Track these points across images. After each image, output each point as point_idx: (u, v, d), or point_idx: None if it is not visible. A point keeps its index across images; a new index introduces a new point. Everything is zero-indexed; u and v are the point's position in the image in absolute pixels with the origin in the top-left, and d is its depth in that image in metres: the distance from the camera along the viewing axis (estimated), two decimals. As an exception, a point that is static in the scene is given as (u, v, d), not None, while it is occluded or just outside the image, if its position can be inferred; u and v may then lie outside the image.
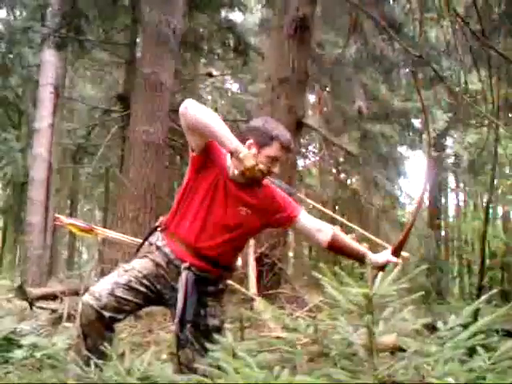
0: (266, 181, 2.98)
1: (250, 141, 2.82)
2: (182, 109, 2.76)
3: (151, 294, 2.88)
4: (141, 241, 3.23)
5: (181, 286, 2.81)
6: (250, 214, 2.91)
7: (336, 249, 3.09)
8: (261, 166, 2.74)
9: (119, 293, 2.77)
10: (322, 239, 3.04)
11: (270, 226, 3.15)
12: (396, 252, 2.95)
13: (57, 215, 3.75)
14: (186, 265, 2.84)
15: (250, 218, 2.91)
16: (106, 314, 2.72)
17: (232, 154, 2.72)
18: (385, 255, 2.95)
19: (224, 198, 2.88)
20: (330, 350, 1.91)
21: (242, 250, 3.05)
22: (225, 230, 2.87)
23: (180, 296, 2.80)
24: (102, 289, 2.78)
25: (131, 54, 12.10)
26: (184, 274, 2.83)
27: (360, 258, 2.99)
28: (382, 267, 2.82)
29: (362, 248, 3.01)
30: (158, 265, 2.91)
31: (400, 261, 2.92)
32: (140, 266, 2.91)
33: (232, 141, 2.70)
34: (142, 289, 2.85)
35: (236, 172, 2.85)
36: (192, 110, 2.74)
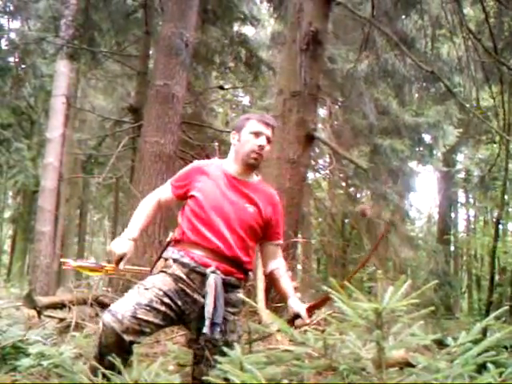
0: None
1: (233, 131, 3.14)
2: None
3: (171, 312, 2.85)
4: (148, 269, 3.27)
5: (209, 288, 2.81)
6: (257, 211, 3.02)
7: (270, 279, 3.22)
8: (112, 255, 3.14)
9: (141, 314, 2.72)
10: (268, 266, 3.17)
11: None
12: (310, 310, 2.95)
13: (63, 259, 3.76)
14: (212, 268, 2.86)
15: (255, 214, 3.01)
16: (127, 338, 2.67)
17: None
18: (299, 307, 2.94)
19: (232, 197, 2.99)
20: (338, 364, 1.90)
21: (254, 253, 3.13)
22: (237, 228, 2.94)
23: (209, 299, 2.79)
24: (124, 310, 2.72)
25: (143, 66, 12.16)
26: (212, 277, 2.83)
27: (284, 298, 3.09)
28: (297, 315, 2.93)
29: (291, 291, 3.05)
30: (177, 278, 2.90)
31: (306, 321, 2.91)
32: (159, 282, 2.89)
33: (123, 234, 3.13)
34: (163, 308, 2.80)
35: (234, 166, 3.10)
36: None
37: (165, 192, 3.19)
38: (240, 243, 2.93)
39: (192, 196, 3.01)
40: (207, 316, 2.76)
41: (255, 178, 3.14)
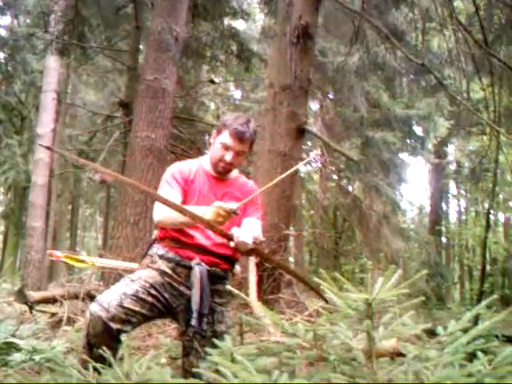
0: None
1: (213, 131, 3.09)
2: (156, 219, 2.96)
3: (158, 303, 2.89)
4: (136, 266, 3.26)
5: (195, 279, 2.83)
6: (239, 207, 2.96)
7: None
8: (220, 212, 2.71)
9: (127, 304, 2.76)
10: None
11: None
12: (226, 238, 2.80)
13: (50, 251, 3.76)
14: (197, 260, 2.88)
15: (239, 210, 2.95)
16: (114, 326, 2.71)
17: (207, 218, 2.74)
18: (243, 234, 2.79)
19: (215, 198, 2.97)
20: (329, 354, 1.91)
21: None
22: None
23: (196, 289, 2.82)
24: (110, 299, 2.77)
25: (134, 61, 12.13)
26: (197, 268, 2.86)
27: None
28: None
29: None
30: (163, 273, 2.94)
31: (235, 241, 2.75)
32: (145, 275, 2.93)
33: (200, 215, 2.71)
34: (150, 299, 2.85)
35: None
36: (160, 220, 2.93)
37: (172, 198, 2.87)
38: (217, 235, 2.91)
39: (184, 196, 3.00)
40: (194, 307, 2.79)
41: (233, 175, 3.13)
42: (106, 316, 2.70)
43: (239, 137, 2.94)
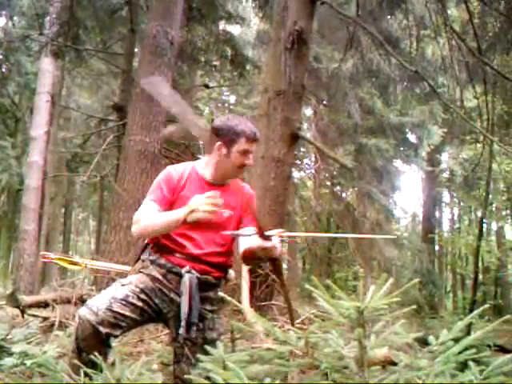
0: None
1: (219, 143, 2.94)
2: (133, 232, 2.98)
3: (149, 308, 2.89)
4: (129, 268, 3.25)
5: (184, 288, 2.83)
6: (232, 214, 2.95)
7: (244, 258, 2.99)
8: (205, 207, 2.68)
9: (116, 308, 2.77)
10: (240, 249, 2.98)
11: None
12: (261, 235, 2.74)
13: (43, 252, 3.76)
14: (187, 268, 2.87)
15: (231, 218, 2.96)
16: (103, 330, 2.71)
17: (186, 219, 2.72)
18: (254, 242, 2.75)
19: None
20: (320, 362, 1.91)
21: (232, 248, 3.04)
22: (211, 234, 2.93)
23: (184, 298, 2.81)
24: (99, 303, 2.78)
25: (128, 64, 12.12)
26: (187, 277, 2.85)
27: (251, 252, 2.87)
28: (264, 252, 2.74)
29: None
30: (154, 279, 2.93)
31: (271, 242, 2.71)
32: (137, 280, 2.93)
33: (177, 216, 2.75)
34: (139, 303, 2.85)
35: (212, 173, 3.01)
36: (137, 232, 2.94)
37: (151, 211, 2.92)
38: (215, 246, 2.94)
39: (166, 207, 2.95)
40: (183, 316, 2.79)
41: (229, 180, 3.10)
42: (95, 320, 2.71)
43: (255, 138, 2.95)
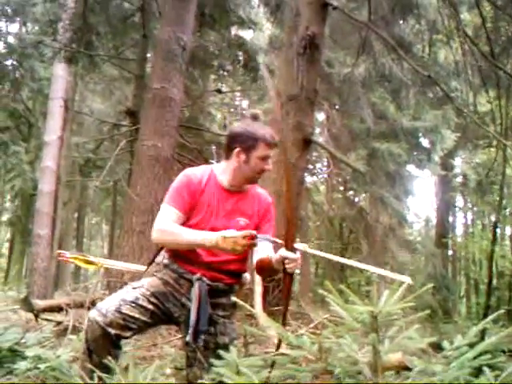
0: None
1: (237, 149, 2.92)
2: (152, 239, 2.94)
3: (159, 311, 2.90)
4: (144, 268, 3.25)
5: (194, 296, 2.83)
6: (248, 223, 2.98)
7: (258, 267, 3.00)
8: (242, 233, 2.71)
9: (125, 310, 2.78)
10: (254, 259, 2.99)
11: None
12: (288, 247, 2.73)
13: (59, 251, 3.77)
14: (198, 276, 2.87)
15: (246, 227, 2.95)
16: (112, 331, 2.73)
17: (213, 246, 2.73)
18: (280, 252, 2.73)
19: (224, 212, 2.95)
20: (334, 367, 1.90)
21: (247, 256, 3.01)
22: None
23: (193, 306, 2.81)
24: (108, 305, 2.80)
25: (141, 70, 12.17)
26: (197, 285, 2.84)
27: (271, 264, 2.85)
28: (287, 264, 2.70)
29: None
30: (166, 283, 2.94)
31: (296, 255, 2.71)
32: (148, 283, 2.94)
33: (203, 240, 2.75)
34: (150, 306, 2.86)
35: (229, 179, 2.98)
36: (159, 242, 2.94)
37: (173, 218, 2.89)
38: (228, 254, 2.87)
39: (187, 212, 2.94)
40: (191, 324, 2.79)
41: (247, 186, 3.07)
42: (104, 321, 2.73)
43: (274, 143, 2.95)
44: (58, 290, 12.74)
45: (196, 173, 3.00)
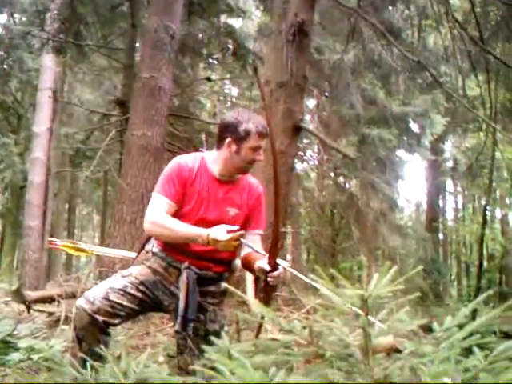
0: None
1: (228, 139, 2.92)
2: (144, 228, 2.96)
3: (148, 299, 2.91)
4: (134, 255, 3.26)
5: (182, 284, 2.84)
6: (238, 213, 2.99)
7: (243, 264, 3.04)
8: (233, 235, 2.74)
9: (113, 297, 2.79)
10: (242, 253, 3.02)
11: None
12: (270, 260, 2.74)
13: (50, 238, 3.77)
14: (186, 264, 2.87)
15: (236, 216, 2.98)
16: (100, 318, 2.75)
17: (208, 243, 2.75)
18: (263, 264, 2.76)
19: (214, 202, 2.95)
20: (325, 351, 1.91)
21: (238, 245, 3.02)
22: None
23: (182, 295, 2.83)
24: (96, 293, 2.82)
25: (130, 59, 12.12)
26: (185, 273, 2.86)
27: (253, 271, 2.90)
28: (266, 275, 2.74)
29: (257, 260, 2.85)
30: (155, 271, 2.95)
31: (277, 272, 2.72)
32: (137, 272, 2.95)
33: (197, 235, 2.78)
34: (139, 294, 2.87)
35: (220, 169, 2.98)
36: (151, 233, 2.96)
37: (164, 208, 2.88)
38: None
39: (178, 202, 2.93)
40: (179, 313, 2.82)
41: (238, 176, 3.06)
42: (91, 308, 2.75)
43: (265, 133, 2.94)
44: (49, 281, 12.70)
45: (187, 161, 2.99)
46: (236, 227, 2.80)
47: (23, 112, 18.91)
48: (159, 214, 2.85)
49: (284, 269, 2.78)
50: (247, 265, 2.97)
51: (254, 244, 2.97)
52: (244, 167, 2.98)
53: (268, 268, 2.70)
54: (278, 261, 2.77)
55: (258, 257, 2.85)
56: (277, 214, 2.83)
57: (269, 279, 2.72)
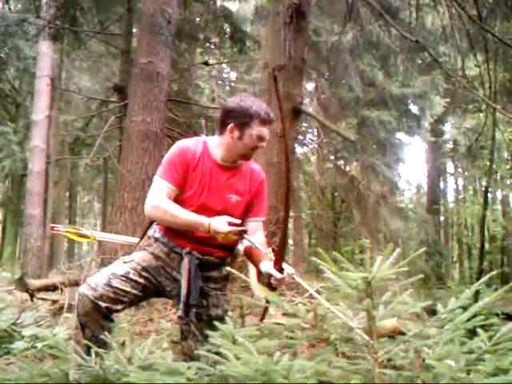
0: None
1: (231, 125, 2.88)
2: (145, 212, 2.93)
3: (151, 285, 2.91)
4: (137, 240, 3.25)
5: (184, 270, 2.83)
6: (240, 200, 2.98)
7: (246, 254, 3.03)
8: (234, 229, 2.74)
9: (116, 283, 2.79)
10: (244, 242, 2.99)
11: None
12: (276, 265, 2.75)
13: (52, 224, 3.76)
14: (188, 250, 2.87)
15: (238, 204, 2.97)
16: (102, 304, 2.75)
17: (208, 232, 2.75)
18: (268, 267, 2.77)
19: (215, 188, 2.93)
20: (329, 334, 1.91)
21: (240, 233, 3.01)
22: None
23: (184, 280, 2.82)
24: (98, 279, 2.81)
25: (127, 45, 12.03)
26: (186, 259, 2.85)
27: (257, 267, 2.89)
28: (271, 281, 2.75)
29: (262, 258, 2.85)
30: (157, 257, 2.94)
31: (282, 275, 2.73)
32: (139, 258, 2.94)
33: (198, 223, 2.78)
34: (141, 280, 2.87)
35: (222, 155, 2.96)
36: (152, 217, 2.93)
37: (166, 192, 2.86)
38: None
39: (180, 186, 2.92)
40: (181, 298, 2.81)
41: (240, 162, 3.03)
42: (93, 295, 2.75)
43: (268, 120, 2.91)
44: (52, 270, 12.73)
45: (190, 145, 2.97)
46: (238, 221, 2.80)
47: (21, 100, 18.87)
48: (162, 199, 2.83)
49: (288, 274, 2.78)
50: (249, 257, 2.98)
51: (253, 231, 2.99)
52: (247, 153, 2.95)
53: (278, 275, 2.71)
54: (285, 266, 2.78)
55: (260, 253, 2.85)
56: (285, 219, 2.87)
57: (273, 282, 2.73)
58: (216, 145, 2.98)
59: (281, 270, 2.74)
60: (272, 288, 2.75)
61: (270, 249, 2.87)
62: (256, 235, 3.01)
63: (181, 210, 2.80)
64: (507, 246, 21.94)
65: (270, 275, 2.73)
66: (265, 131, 2.91)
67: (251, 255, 2.93)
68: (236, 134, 2.88)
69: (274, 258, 2.79)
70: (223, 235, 2.72)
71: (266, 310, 2.82)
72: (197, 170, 2.91)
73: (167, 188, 2.86)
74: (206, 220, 2.74)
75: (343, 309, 1.93)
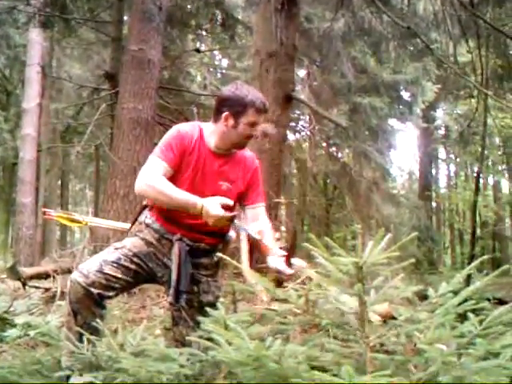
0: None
1: (226, 113, 2.88)
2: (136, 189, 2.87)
3: (142, 271, 2.91)
4: (129, 226, 3.25)
5: (174, 256, 2.84)
6: (231, 188, 2.97)
7: (252, 242, 3.02)
8: (225, 215, 2.73)
9: (107, 270, 2.79)
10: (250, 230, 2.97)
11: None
12: (287, 262, 2.76)
13: (44, 209, 3.74)
14: (178, 236, 2.87)
15: (228, 191, 2.95)
16: (94, 290, 2.75)
17: (200, 213, 2.73)
18: (277, 263, 2.77)
19: (208, 175, 2.93)
20: (321, 319, 1.92)
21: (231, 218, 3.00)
22: None
23: (174, 266, 2.83)
24: (90, 266, 2.81)
25: (117, 32, 11.96)
26: (176, 245, 2.85)
27: (264, 258, 2.90)
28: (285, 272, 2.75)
29: (269, 250, 2.85)
30: (148, 243, 2.94)
31: (291, 271, 2.73)
32: (130, 244, 2.94)
33: (191, 203, 2.75)
34: (133, 266, 2.87)
35: (216, 142, 2.96)
36: (145, 194, 2.89)
37: (161, 171, 2.84)
38: None
39: (175, 169, 2.90)
40: (172, 284, 2.81)
41: (234, 150, 3.03)
42: (85, 281, 2.75)
43: (264, 109, 2.91)
44: (44, 257, 12.72)
45: (188, 130, 2.97)
46: (231, 202, 2.81)
47: (12, 88, 18.77)
48: (156, 177, 2.80)
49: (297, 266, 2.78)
50: (255, 245, 2.97)
51: (256, 216, 3.04)
52: (240, 142, 2.95)
53: (287, 272, 2.72)
54: (294, 260, 2.77)
55: (265, 245, 2.86)
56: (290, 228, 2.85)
57: (283, 277, 2.78)
58: (210, 132, 2.98)
59: (290, 265, 2.75)
60: (279, 283, 2.77)
61: (278, 234, 2.88)
62: (259, 220, 3.03)
63: (175, 189, 2.77)
64: (498, 232, 22.06)
65: (278, 271, 2.74)
66: (259, 120, 2.91)
67: (260, 250, 2.94)
68: (230, 122, 2.88)
69: (285, 253, 2.81)
70: (214, 219, 2.71)
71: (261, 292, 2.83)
72: (192, 155, 2.91)
73: (162, 167, 2.83)
74: (199, 201, 2.72)
75: (335, 293, 1.93)
